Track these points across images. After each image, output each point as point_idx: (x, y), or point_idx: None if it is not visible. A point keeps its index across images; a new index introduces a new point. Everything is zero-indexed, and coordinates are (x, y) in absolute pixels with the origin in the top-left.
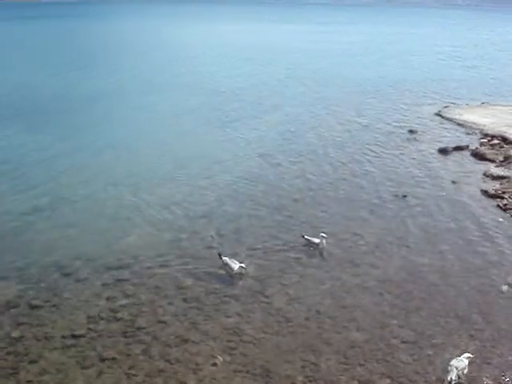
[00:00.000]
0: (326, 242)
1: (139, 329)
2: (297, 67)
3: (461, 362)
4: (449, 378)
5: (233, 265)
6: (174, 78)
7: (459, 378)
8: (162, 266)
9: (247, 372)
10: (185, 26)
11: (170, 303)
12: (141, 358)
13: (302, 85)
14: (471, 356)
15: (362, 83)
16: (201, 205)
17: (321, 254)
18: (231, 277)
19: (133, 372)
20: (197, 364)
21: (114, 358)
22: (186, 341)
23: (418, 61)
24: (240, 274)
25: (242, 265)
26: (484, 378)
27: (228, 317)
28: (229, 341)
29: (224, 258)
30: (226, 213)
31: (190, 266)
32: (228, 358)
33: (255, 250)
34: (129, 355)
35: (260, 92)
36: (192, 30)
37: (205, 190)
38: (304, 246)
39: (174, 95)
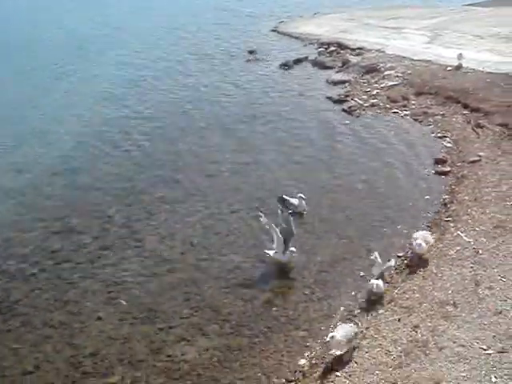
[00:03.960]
0: (306, 203)
1: (15, 302)
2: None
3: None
4: None
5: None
6: None
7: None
8: (23, 231)
9: (133, 318)
10: None
11: (41, 269)
12: (23, 330)
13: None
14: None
15: (180, 18)
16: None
17: (301, 216)
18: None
19: (17, 346)
20: (82, 322)
21: None
22: (66, 302)
23: None
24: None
25: (292, 249)
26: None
27: (103, 268)
28: (109, 292)
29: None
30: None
31: (52, 227)
32: (111, 309)
33: (121, 196)
34: (9, 330)
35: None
36: None
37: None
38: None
39: None
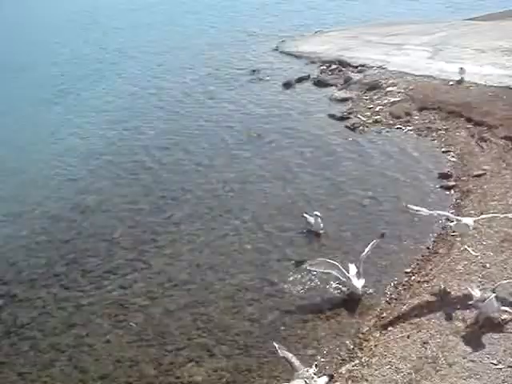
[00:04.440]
0: (322, 222)
1: (23, 326)
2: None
3: None
4: None
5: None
6: None
7: None
8: (30, 255)
9: (141, 340)
10: None
11: (48, 293)
12: (31, 354)
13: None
14: None
15: (192, 36)
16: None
17: (317, 237)
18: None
19: (25, 370)
20: (89, 345)
21: (1, 362)
22: (73, 326)
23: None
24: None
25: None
26: None
27: (110, 291)
28: (116, 315)
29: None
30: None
31: (59, 251)
32: (119, 332)
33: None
34: (17, 354)
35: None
36: None
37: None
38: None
39: None
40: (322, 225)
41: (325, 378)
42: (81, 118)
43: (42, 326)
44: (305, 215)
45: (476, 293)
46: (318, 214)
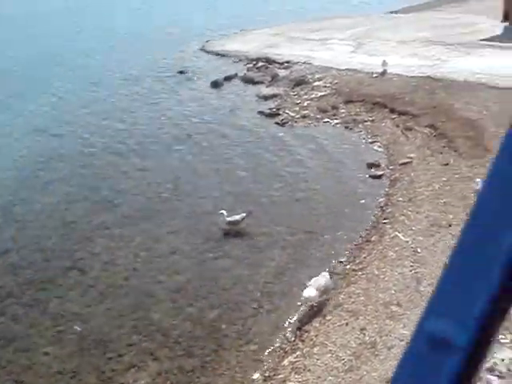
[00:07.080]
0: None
1: None
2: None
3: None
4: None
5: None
6: None
7: None
8: None
9: (81, 350)
10: None
11: None
12: None
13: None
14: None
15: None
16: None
17: (227, 234)
18: None
19: None
20: (29, 359)
21: None
22: (12, 339)
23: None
24: None
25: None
26: None
27: (48, 302)
28: (55, 325)
29: None
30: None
31: None
32: (59, 344)
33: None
34: None
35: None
36: None
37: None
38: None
39: None
40: (227, 222)
41: None
42: (8, 126)
43: None
44: (220, 212)
45: None
46: (224, 212)
